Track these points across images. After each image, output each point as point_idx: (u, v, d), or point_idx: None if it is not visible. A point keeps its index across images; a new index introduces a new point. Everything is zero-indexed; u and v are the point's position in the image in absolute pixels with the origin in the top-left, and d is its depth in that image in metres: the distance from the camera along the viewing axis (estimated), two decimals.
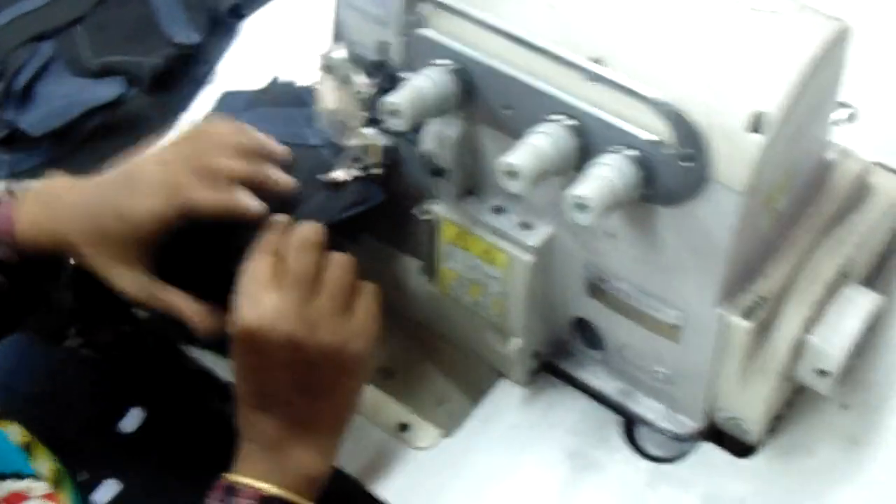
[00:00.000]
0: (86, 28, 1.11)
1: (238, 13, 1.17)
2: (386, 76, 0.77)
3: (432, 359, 0.92)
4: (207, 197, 0.76)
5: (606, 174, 0.64)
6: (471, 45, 0.70)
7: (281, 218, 0.78)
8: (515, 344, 0.83)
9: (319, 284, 0.75)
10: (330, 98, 0.80)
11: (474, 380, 0.90)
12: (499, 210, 0.78)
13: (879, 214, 0.79)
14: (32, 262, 0.82)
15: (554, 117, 0.67)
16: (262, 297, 0.73)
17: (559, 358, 0.88)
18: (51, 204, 0.81)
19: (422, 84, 0.69)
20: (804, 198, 0.76)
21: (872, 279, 0.84)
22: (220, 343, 0.87)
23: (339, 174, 0.83)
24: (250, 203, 0.77)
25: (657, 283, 0.74)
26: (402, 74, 0.74)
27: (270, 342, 0.72)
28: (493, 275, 0.80)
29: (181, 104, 1.10)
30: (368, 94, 0.77)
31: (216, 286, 0.85)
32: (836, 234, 0.77)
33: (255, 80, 1.10)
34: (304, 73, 1.03)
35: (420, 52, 0.72)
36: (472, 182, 0.79)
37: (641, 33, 0.66)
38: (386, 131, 0.80)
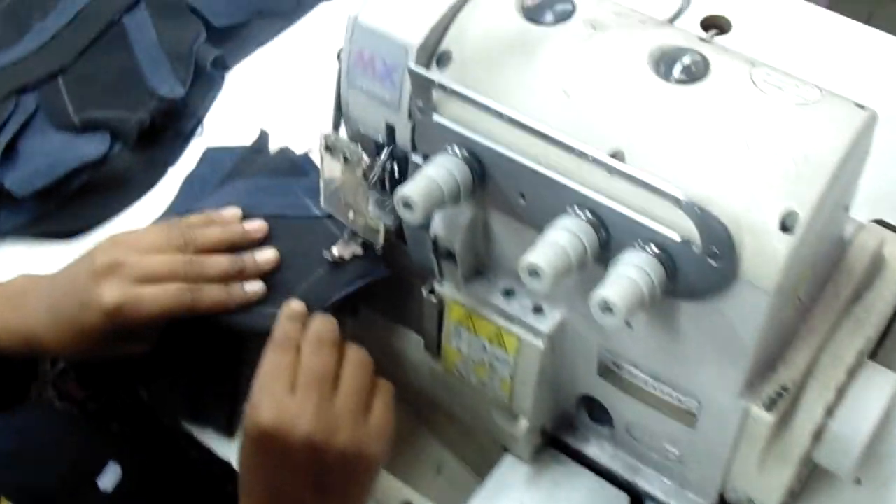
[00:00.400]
0: (68, 80, 1.07)
1: (222, 64, 1.14)
2: (391, 158, 0.74)
3: (434, 432, 0.89)
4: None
5: (633, 275, 0.62)
6: (483, 133, 0.68)
7: (296, 306, 0.75)
8: (523, 425, 0.81)
9: (337, 383, 0.73)
10: (333, 174, 0.77)
11: (478, 455, 0.88)
12: (509, 293, 0.76)
13: (894, 288, 0.78)
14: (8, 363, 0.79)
15: (573, 211, 0.65)
16: (280, 396, 0.71)
17: (565, 433, 0.86)
18: (16, 302, 0.79)
19: (435, 174, 0.67)
20: (823, 279, 0.74)
21: (877, 347, 0.82)
22: (222, 421, 0.84)
23: (341, 250, 0.81)
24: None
25: (675, 372, 0.72)
26: (413, 157, 0.71)
27: (288, 443, 0.70)
28: (501, 358, 0.78)
29: (168, 159, 1.07)
30: (374, 175, 0.75)
31: (210, 367, 0.83)
32: (854, 313, 0.75)
33: (243, 133, 1.07)
34: (292, 125, 1.01)
35: (430, 138, 0.70)
36: (481, 263, 0.77)
37: (662, 125, 0.64)
38: (391, 211, 0.77)
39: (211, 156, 1.06)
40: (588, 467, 0.85)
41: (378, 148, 0.75)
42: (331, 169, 0.77)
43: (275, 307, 0.78)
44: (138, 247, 0.79)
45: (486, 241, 0.74)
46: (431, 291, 0.78)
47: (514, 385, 0.79)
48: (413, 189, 0.66)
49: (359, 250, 0.81)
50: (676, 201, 0.60)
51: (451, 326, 0.79)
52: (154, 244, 0.80)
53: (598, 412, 0.84)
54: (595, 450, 0.85)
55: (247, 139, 1.06)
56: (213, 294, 0.79)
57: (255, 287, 0.80)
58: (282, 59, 1.16)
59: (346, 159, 0.75)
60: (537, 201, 0.67)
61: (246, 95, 1.13)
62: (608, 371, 0.76)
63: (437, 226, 0.74)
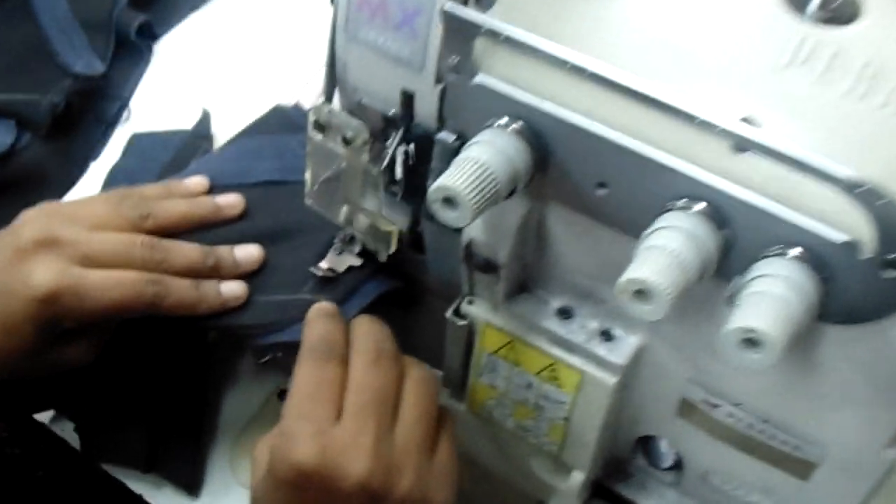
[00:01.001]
0: None
1: (149, 33, 0.93)
2: (408, 137, 0.55)
3: None
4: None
5: (781, 293, 0.43)
6: (548, 97, 0.48)
7: (327, 306, 0.56)
8: (576, 479, 0.62)
9: (398, 410, 0.55)
10: (323, 162, 0.58)
11: None
12: (566, 313, 0.57)
13: None
14: None
15: (682, 204, 0.46)
16: (324, 424, 0.52)
17: (614, 480, 0.67)
18: None
19: (487, 158, 0.48)
20: None
21: None
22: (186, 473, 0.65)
23: (333, 262, 0.61)
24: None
25: (797, 415, 0.54)
26: (441, 136, 0.52)
27: (336, 488, 0.51)
28: (554, 398, 0.59)
29: (88, 151, 0.86)
30: (383, 160, 0.55)
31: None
32: None
33: (178, 115, 0.87)
34: (240, 103, 0.81)
35: (467, 108, 0.51)
36: (528, 276, 0.58)
37: (805, 82, 0.46)
38: (406, 209, 0.58)
39: (139, 144, 0.85)
40: None
41: (388, 125, 0.56)
42: (321, 154, 0.58)
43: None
44: (79, 219, 0.60)
45: (539, 247, 0.56)
46: (458, 313, 0.59)
47: (570, 430, 0.60)
48: (460, 180, 0.47)
49: (355, 260, 0.61)
50: (847, 186, 0.42)
51: (483, 357, 0.60)
52: (100, 217, 0.60)
53: (656, 455, 0.65)
54: (655, 501, 0.67)
55: (183, 123, 0.85)
56: (182, 291, 0.59)
57: (233, 289, 0.60)
58: (222, 22, 0.95)
59: (345, 141, 0.56)
60: (625, 192, 0.49)
61: (180, 69, 0.92)
62: (692, 410, 0.58)
63: (475, 228, 0.55)
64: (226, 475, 0.71)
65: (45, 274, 0.57)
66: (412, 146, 0.56)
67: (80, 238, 0.58)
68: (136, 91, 0.91)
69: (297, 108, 0.74)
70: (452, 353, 0.62)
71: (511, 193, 0.50)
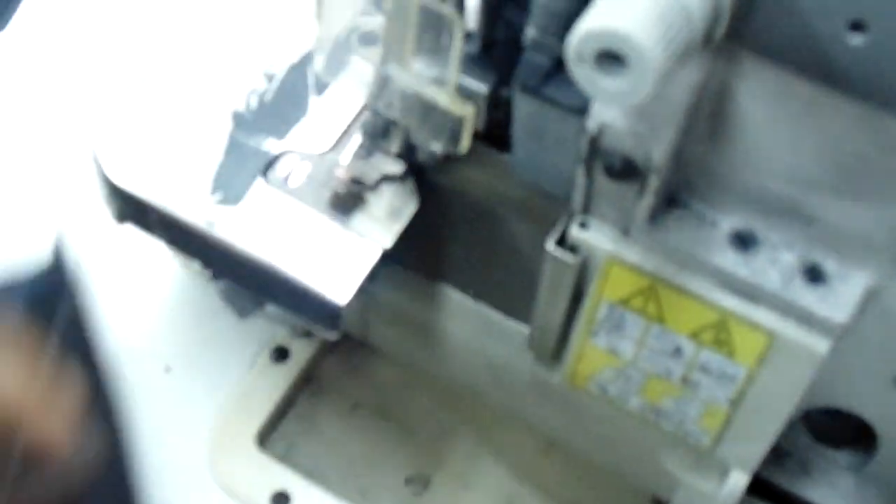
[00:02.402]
0: None
1: None
2: None
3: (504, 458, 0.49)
4: None
5: None
6: None
7: None
8: (736, 482, 0.41)
9: None
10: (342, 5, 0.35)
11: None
12: (746, 241, 0.35)
13: None
14: None
15: None
16: None
17: (767, 469, 0.46)
18: None
19: None
20: None
21: None
22: None
23: (354, 171, 0.38)
24: None
25: None
26: None
27: None
28: (719, 370, 0.37)
29: None
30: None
31: None
32: None
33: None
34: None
35: None
36: (684, 182, 0.35)
37: None
38: (485, 68, 0.35)
39: None
40: None
41: None
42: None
43: None
44: None
45: (714, 135, 0.33)
46: (563, 242, 0.37)
47: (738, 417, 0.39)
48: (636, 16, 0.24)
49: (395, 167, 0.38)
50: None
51: (602, 309, 0.38)
52: None
53: (836, 433, 0.45)
54: (824, 492, 0.46)
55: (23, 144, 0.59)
56: None
57: None
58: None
59: None
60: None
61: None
62: None
63: (603, 108, 0.32)
64: (204, 476, 0.49)
65: None
66: None
67: None
68: None
69: None
70: (549, 301, 0.39)
71: (707, 43, 0.27)
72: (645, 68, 0.25)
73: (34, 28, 0.65)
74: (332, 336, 0.40)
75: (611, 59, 0.26)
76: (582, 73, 0.26)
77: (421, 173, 0.41)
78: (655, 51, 0.25)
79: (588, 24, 0.25)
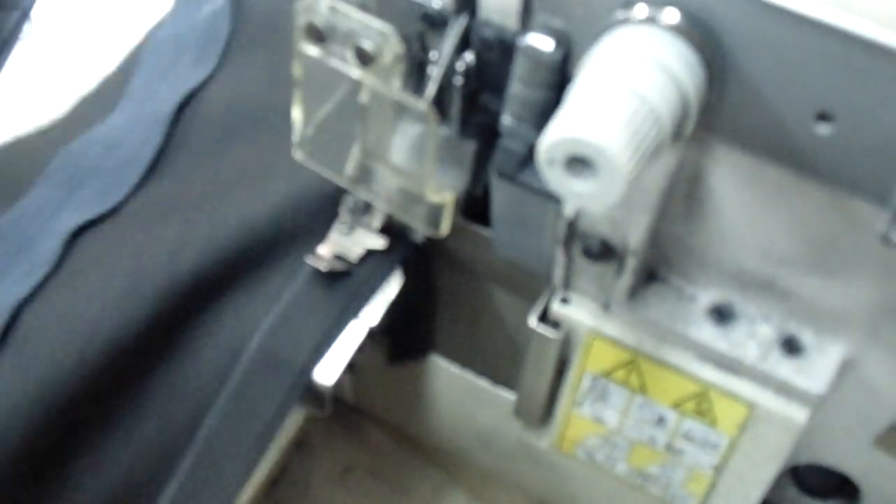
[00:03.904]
0: None
1: None
2: (467, 42, 0.33)
3: None
4: None
5: None
6: None
7: None
8: None
9: None
10: (322, 88, 0.35)
11: None
12: (724, 314, 0.35)
13: None
14: None
15: None
16: None
17: None
18: None
19: (642, 81, 0.25)
20: None
21: None
22: None
23: (336, 247, 0.39)
24: None
25: None
26: (528, 40, 0.30)
27: None
28: (702, 439, 0.38)
29: None
30: (431, 79, 0.33)
31: None
32: None
33: (88, 31, 0.63)
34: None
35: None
36: (662, 258, 0.36)
37: None
38: (463, 150, 0.36)
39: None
40: None
41: (431, 26, 0.33)
42: (318, 79, 0.35)
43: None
44: None
45: (689, 215, 0.34)
46: (546, 318, 0.37)
47: (722, 483, 0.39)
48: (607, 125, 0.25)
49: (376, 240, 0.39)
50: None
51: (586, 380, 0.38)
52: None
53: (812, 479, 0.46)
54: None
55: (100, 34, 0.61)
56: None
57: None
58: None
59: (361, 56, 0.33)
60: (864, 128, 0.27)
61: None
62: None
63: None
64: None
65: None
66: (473, 58, 0.34)
67: None
68: None
69: None
70: (534, 372, 0.40)
71: (675, 140, 0.28)
72: (614, 173, 0.26)
73: None
74: (320, 414, 0.40)
75: (581, 162, 0.26)
76: (553, 176, 0.27)
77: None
78: (624, 156, 0.26)
79: (557, 131, 0.26)
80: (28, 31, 0.67)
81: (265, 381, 0.37)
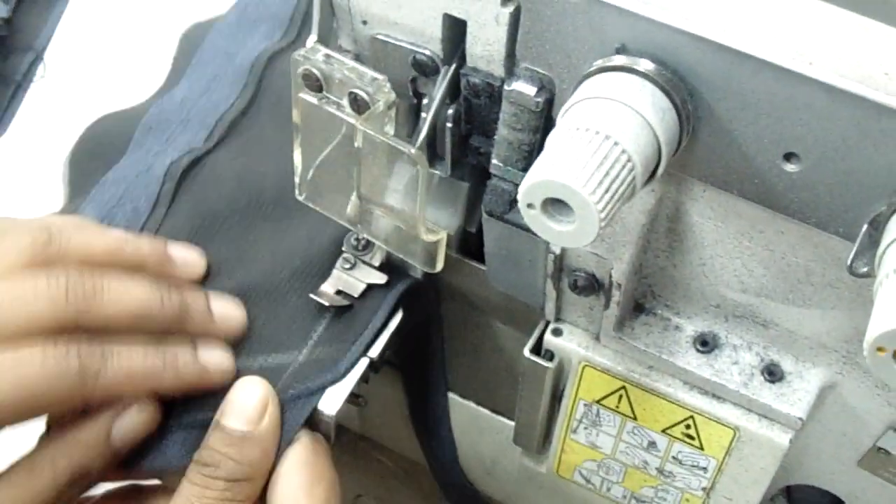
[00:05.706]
0: None
1: None
2: (456, 89, 0.34)
3: None
4: None
5: None
6: (698, 15, 0.28)
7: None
8: None
9: None
10: (319, 136, 0.37)
11: None
12: (708, 343, 0.37)
13: None
14: None
15: None
16: None
17: None
18: None
19: (617, 127, 0.27)
20: None
21: None
22: None
23: (338, 284, 0.41)
24: None
25: None
26: (513, 86, 0.32)
27: None
28: (691, 462, 0.39)
29: None
30: (422, 128, 0.35)
31: None
32: None
33: (107, 67, 0.65)
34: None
35: (562, 37, 0.30)
36: (648, 290, 0.37)
37: None
38: (455, 191, 0.38)
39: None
40: None
41: (421, 73, 0.35)
42: (316, 125, 0.37)
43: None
44: None
45: (671, 250, 0.35)
46: (538, 349, 0.39)
47: (711, 503, 0.41)
48: (579, 171, 0.27)
49: (377, 276, 0.41)
50: None
51: (579, 408, 0.40)
52: None
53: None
54: None
55: (115, 75, 0.64)
56: (132, 364, 0.37)
57: (215, 356, 0.39)
58: None
59: (355, 104, 0.35)
60: (829, 168, 0.28)
61: (104, 11, 0.70)
62: (887, 462, 0.39)
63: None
64: None
65: None
66: (462, 104, 0.35)
67: None
68: (50, 40, 0.69)
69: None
70: (531, 400, 0.42)
71: (648, 181, 0.30)
72: (588, 213, 0.28)
73: None
74: (327, 443, 0.42)
75: (559, 204, 0.28)
76: (533, 218, 0.29)
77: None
78: (595, 197, 0.27)
79: (533, 175, 0.28)
80: (42, 73, 0.69)
81: None
